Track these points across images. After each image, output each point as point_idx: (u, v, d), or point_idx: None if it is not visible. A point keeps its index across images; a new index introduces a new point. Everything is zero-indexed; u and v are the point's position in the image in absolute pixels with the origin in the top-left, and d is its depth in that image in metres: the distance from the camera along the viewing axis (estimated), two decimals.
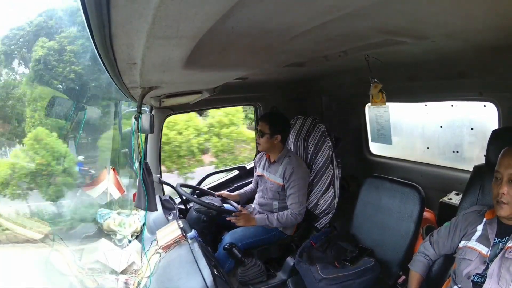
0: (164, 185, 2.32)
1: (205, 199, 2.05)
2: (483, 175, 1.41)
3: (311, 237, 1.88)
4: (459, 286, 1.14)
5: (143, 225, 1.97)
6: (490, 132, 1.41)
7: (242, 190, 2.36)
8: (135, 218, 2.10)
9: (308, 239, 1.86)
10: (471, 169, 1.52)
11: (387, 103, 2.55)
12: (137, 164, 1.30)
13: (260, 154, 2.30)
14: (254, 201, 2.23)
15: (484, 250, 1.12)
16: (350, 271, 1.62)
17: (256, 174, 2.27)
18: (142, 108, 1.24)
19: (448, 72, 1.74)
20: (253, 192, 2.33)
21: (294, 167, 2.00)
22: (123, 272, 1.65)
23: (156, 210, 1.49)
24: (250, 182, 2.42)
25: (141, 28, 0.60)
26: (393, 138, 2.65)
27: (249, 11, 0.69)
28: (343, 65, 1.82)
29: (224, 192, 2.28)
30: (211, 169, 4.87)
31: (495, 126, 1.81)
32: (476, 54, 1.45)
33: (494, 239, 1.11)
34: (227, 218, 1.96)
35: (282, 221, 1.96)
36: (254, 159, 2.73)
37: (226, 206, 2.12)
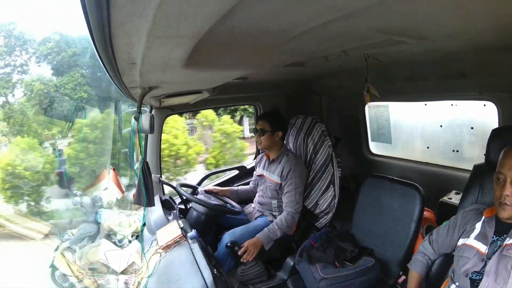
0: (164, 185, 2.32)
1: (206, 198, 2.04)
2: (483, 174, 1.41)
3: (311, 236, 1.88)
4: (457, 284, 1.14)
5: (143, 225, 1.97)
6: (490, 131, 1.41)
7: (234, 188, 2.34)
8: (135, 218, 2.11)
9: (308, 239, 1.86)
10: (471, 168, 1.52)
11: (387, 103, 2.59)
12: (137, 164, 1.31)
13: (260, 154, 2.31)
14: (254, 200, 2.23)
15: (482, 247, 1.11)
16: (350, 270, 1.62)
17: (256, 174, 2.27)
18: (142, 108, 1.24)
19: (448, 72, 1.74)
20: (247, 192, 2.32)
21: (292, 165, 2.01)
22: (123, 272, 1.65)
23: (154, 205, 1.55)
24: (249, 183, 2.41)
25: (141, 27, 0.60)
26: (393, 138, 2.67)
27: (249, 11, 0.69)
28: (343, 65, 1.82)
29: (213, 187, 2.26)
30: None
31: (495, 125, 1.81)
32: (476, 54, 1.45)
33: (493, 237, 1.11)
34: (239, 253, 1.81)
35: (283, 227, 1.93)
36: (254, 159, 2.74)
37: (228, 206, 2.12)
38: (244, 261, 1.79)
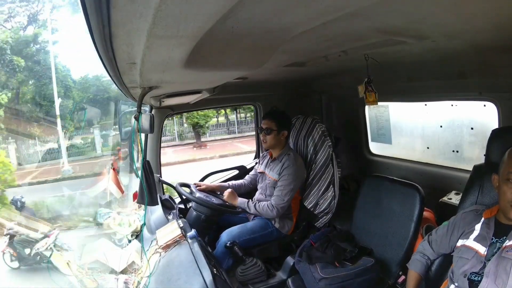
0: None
1: (206, 198, 2.04)
2: (482, 174, 1.41)
3: (311, 236, 1.88)
4: (456, 284, 1.14)
5: (143, 224, 1.97)
6: (490, 132, 1.41)
7: (225, 183, 2.32)
8: (135, 218, 2.11)
9: (308, 239, 1.86)
10: (470, 168, 1.52)
11: (387, 103, 2.59)
12: (137, 164, 1.31)
13: (264, 152, 2.32)
14: (254, 198, 2.23)
15: (481, 249, 1.11)
16: (350, 270, 1.62)
17: (258, 171, 2.27)
18: (142, 108, 1.24)
19: (448, 72, 1.74)
20: (239, 187, 2.30)
21: (290, 164, 2.02)
22: (123, 271, 1.65)
23: (158, 204, 1.56)
24: None
25: (141, 27, 0.60)
26: (393, 138, 2.67)
27: (249, 11, 0.69)
28: (343, 65, 1.82)
29: (202, 183, 2.25)
30: None
31: (495, 125, 1.81)
32: (476, 54, 1.45)
33: (492, 238, 1.11)
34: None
35: (258, 209, 1.99)
36: (255, 159, 2.74)
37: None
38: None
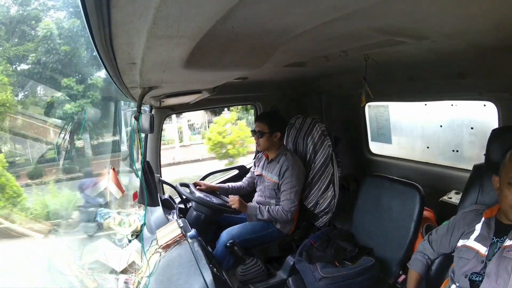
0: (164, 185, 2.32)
1: (206, 197, 2.04)
2: (482, 174, 1.41)
3: (311, 236, 1.89)
4: (457, 284, 1.14)
5: (143, 224, 1.97)
6: (490, 131, 1.41)
7: (225, 185, 2.31)
8: (135, 218, 2.11)
9: (308, 238, 1.87)
10: (471, 168, 1.52)
11: (387, 103, 2.59)
12: (137, 164, 1.32)
13: (260, 154, 2.31)
14: (253, 200, 2.23)
15: (482, 249, 1.11)
16: (350, 270, 1.62)
17: (255, 173, 2.27)
18: (142, 108, 1.24)
19: (448, 72, 1.74)
20: (238, 190, 2.30)
21: (290, 165, 2.01)
22: (123, 271, 1.65)
23: (159, 205, 1.53)
24: None
25: (142, 27, 0.60)
26: (393, 138, 2.67)
27: (249, 11, 0.69)
28: (343, 65, 1.82)
29: (202, 182, 2.23)
30: None
31: (495, 125, 1.81)
32: (476, 54, 1.45)
33: (492, 238, 1.11)
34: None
35: (272, 214, 1.96)
36: (254, 159, 2.74)
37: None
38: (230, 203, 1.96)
